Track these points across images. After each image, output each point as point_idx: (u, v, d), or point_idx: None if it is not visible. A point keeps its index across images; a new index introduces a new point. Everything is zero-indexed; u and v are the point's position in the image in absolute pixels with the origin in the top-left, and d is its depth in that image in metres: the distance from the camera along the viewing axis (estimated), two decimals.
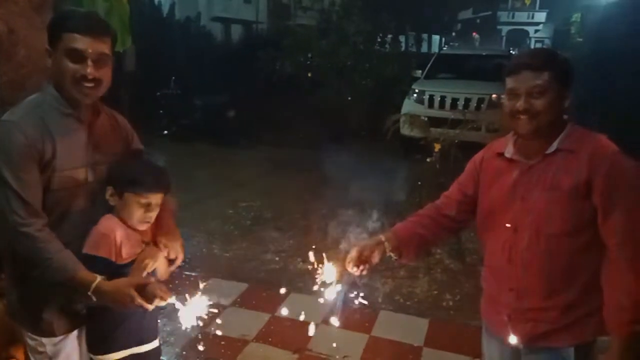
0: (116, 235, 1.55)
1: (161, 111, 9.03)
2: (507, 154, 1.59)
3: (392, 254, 1.66)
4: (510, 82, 1.49)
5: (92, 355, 1.64)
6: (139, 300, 1.40)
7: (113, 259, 1.54)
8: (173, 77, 9.50)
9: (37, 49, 2.46)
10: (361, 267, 1.64)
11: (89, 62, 1.41)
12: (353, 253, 1.63)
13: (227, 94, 9.65)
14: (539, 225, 1.48)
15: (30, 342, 1.57)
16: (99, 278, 1.41)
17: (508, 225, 1.54)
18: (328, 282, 1.64)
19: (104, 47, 1.44)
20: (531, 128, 1.47)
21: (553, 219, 1.46)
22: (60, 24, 1.43)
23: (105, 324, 1.62)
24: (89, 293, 1.39)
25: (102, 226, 1.55)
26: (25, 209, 1.37)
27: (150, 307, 1.44)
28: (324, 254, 1.65)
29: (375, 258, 1.63)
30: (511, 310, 1.58)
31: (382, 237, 1.67)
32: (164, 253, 1.69)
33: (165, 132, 8.69)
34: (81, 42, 1.39)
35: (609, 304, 1.44)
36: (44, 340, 1.55)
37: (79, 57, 1.40)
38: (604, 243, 1.44)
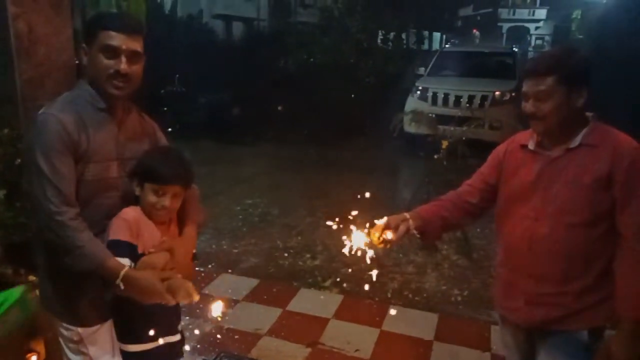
0: (134, 220, 1.58)
1: (165, 109, 9.05)
2: (531, 147, 1.65)
3: (415, 232, 1.70)
4: (523, 86, 1.59)
5: (122, 345, 1.68)
6: (165, 295, 1.41)
7: (135, 244, 1.56)
8: (177, 75, 9.52)
9: (56, 47, 2.49)
10: (385, 240, 1.66)
11: (123, 59, 1.46)
12: (378, 226, 1.65)
13: (230, 92, 9.67)
14: (560, 215, 1.55)
15: (64, 332, 1.60)
16: (127, 267, 1.42)
17: (529, 214, 1.61)
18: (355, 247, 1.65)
19: (137, 45, 1.50)
20: (541, 129, 1.58)
21: (574, 209, 1.53)
22: (97, 22, 1.49)
23: (133, 315, 1.66)
24: (118, 281, 1.40)
25: (122, 213, 1.59)
26: (59, 198, 1.40)
27: (173, 302, 1.44)
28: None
29: (400, 233, 1.65)
30: (528, 295, 1.65)
31: (407, 215, 1.70)
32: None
33: (170, 129, 8.69)
34: (116, 39, 1.45)
35: (621, 290, 1.51)
36: (80, 330, 1.58)
37: (113, 53, 1.46)
38: (619, 233, 1.51)
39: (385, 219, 1.69)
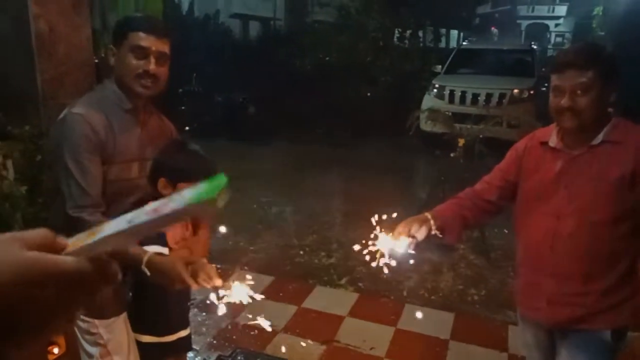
0: None
1: (183, 108, 9.15)
2: (551, 144, 1.62)
3: (437, 232, 1.68)
4: (555, 80, 1.53)
5: (136, 335, 1.71)
6: (187, 277, 1.42)
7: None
8: (194, 74, 9.61)
9: (76, 46, 2.55)
10: (408, 241, 1.65)
11: (152, 59, 1.51)
12: (400, 227, 1.64)
13: (246, 91, 9.72)
14: (582, 213, 1.52)
15: (82, 324, 1.64)
16: (150, 252, 1.46)
17: (551, 212, 1.58)
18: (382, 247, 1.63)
19: (165, 47, 1.54)
20: (575, 124, 1.51)
21: (598, 207, 1.50)
22: (127, 24, 1.54)
23: (148, 308, 1.69)
24: (143, 267, 1.43)
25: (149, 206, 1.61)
26: (85, 198, 1.45)
27: (196, 286, 1.44)
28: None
29: (422, 234, 1.64)
30: (550, 295, 1.62)
31: (428, 215, 1.69)
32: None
33: (187, 128, 8.79)
34: (146, 41, 1.50)
35: None
36: (97, 322, 1.62)
37: (143, 53, 1.50)
38: None
39: (406, 220, 1.67)
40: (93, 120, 1.47)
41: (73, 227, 1.42)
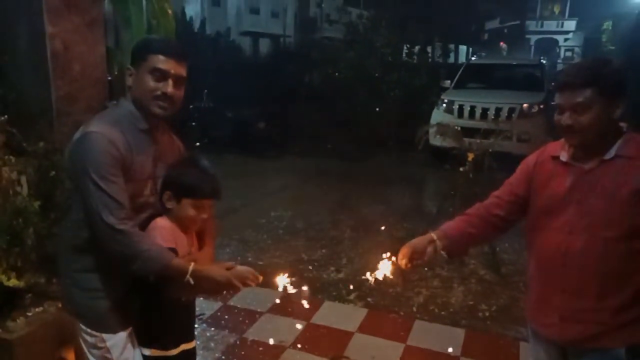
0: (170, 228, 1.65)
1: (194, 123, 9.26)
2: (563, 158, 1.61)
3: (442, 252, 1.68)
4: (557, 98, 1.54)
5: (142, 349, 1.71)
6: (235, 282, 1.51)
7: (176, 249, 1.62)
8: (205, 91, 9.74)
9: (90, 64, 2.61)
10: (413, 264, 1.66)
11: (170, 82, 1.54)
12: (405, 250, 1.64)
13: (257, 106, 9.83)
14: (595, 229, 1.50)
15: (89, 339, 1.63)
16: (193, 263, 1.52)
17: (562, 227, 1.56)
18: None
19: (183, 71, 1.58)
20: (577, 141, 1.52)
21: (610, 223, 1.48)
22: (147, 46, 1.57)
23: (154, 321, 1.70)
24: (187, 277, 1.48)
25: (157, 222, 1.65)
26: (121, 210, 1.47)
27: (242, 288, 1.55)
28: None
29: (427, 255, 1.64)
30: (562, 311, 1.59)
31: (434, 236, 1.69)
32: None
33: (198, 144, 8.89)
34: (165, 64, 1.53)
35: None
36: (105, 336, 1.62)
37: (161, 76, 1.53)
38: None
39: (411, 243, 1.69)
40: (114, 139, 1.50)
41: (116, 240, 1.46)
